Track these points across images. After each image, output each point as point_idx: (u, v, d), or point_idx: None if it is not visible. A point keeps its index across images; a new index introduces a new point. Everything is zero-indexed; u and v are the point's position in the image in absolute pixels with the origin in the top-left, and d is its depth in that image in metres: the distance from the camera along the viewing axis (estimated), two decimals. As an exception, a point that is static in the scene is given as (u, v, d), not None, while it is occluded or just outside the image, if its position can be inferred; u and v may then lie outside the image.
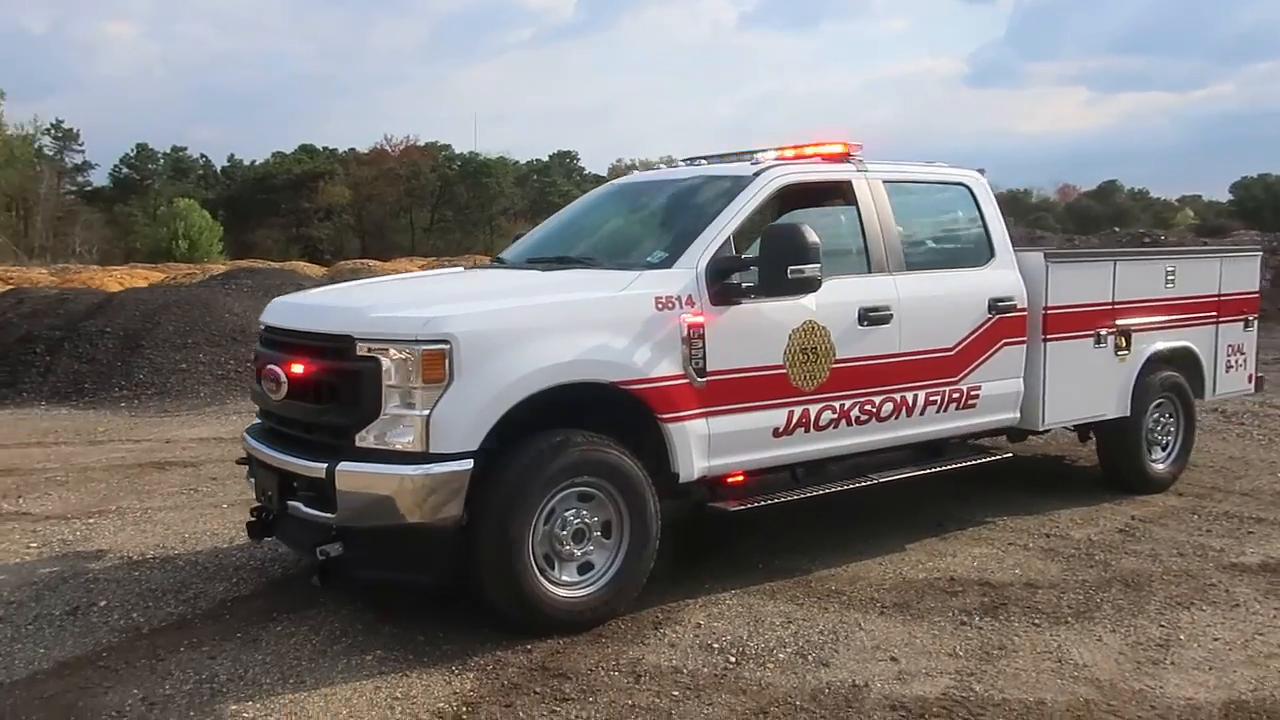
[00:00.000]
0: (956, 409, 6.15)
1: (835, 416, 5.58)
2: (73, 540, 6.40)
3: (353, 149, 76.17)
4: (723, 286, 5.15)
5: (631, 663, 4.48)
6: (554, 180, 77.17)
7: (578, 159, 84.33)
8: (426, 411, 4.43)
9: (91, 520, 6.86)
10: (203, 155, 78.61)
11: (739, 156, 6.22)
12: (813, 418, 5.49)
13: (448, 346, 4.44)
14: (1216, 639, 4.75)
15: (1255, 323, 8.02)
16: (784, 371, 5.35)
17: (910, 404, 5.91)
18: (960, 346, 6.10)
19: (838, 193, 5.93)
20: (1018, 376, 6.45)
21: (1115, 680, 4.31)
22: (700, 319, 5.04)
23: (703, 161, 6.40)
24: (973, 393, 6.19)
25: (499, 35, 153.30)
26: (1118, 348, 6.97)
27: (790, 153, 6.11)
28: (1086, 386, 6.84)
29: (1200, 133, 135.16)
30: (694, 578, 5.48)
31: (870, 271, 5.81)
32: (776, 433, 5.38)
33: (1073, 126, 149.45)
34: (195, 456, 8.96)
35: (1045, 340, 6.54)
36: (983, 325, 6.20)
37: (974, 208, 6.48)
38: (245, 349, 12.24)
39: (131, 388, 12.26)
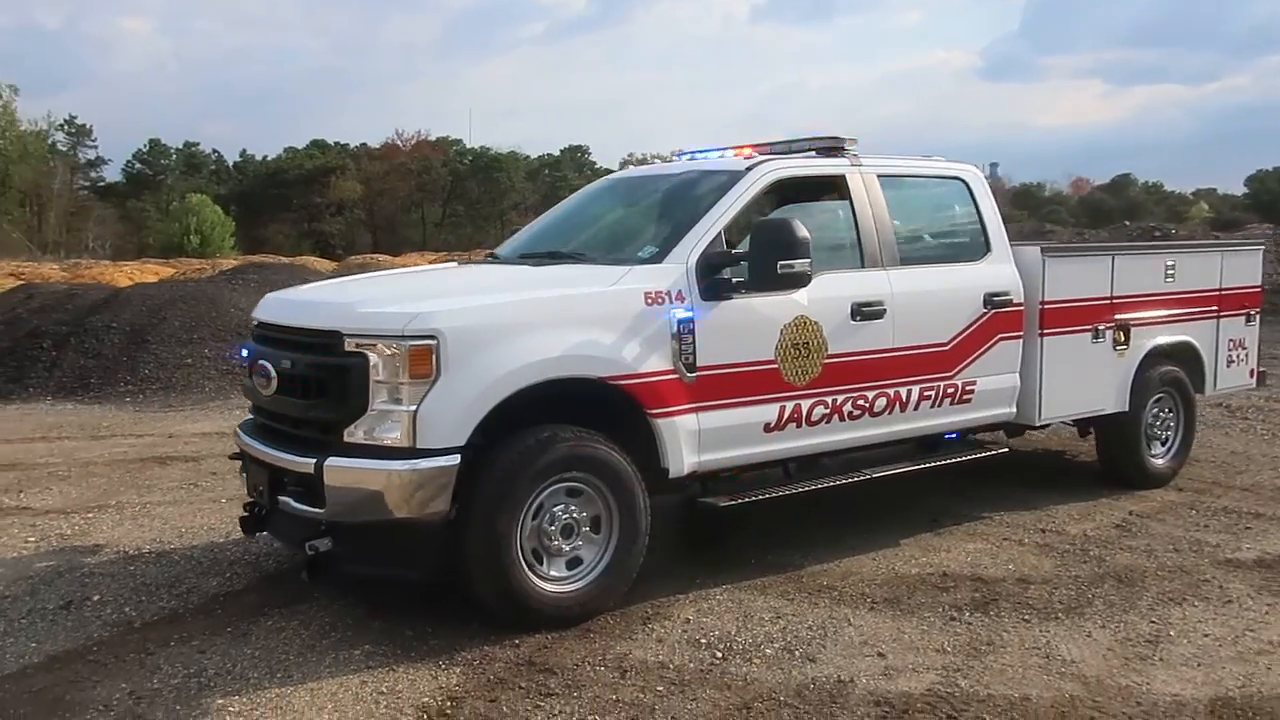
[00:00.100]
0: (951, 404, 6.13)
1: (827, 412, 5.57)
2: (70, 535, 6.44)
3: (364, 144, 76.41)
4: (713, 281, 5.14)
5: (618, 658, 4.49)
6: (565, 174, 77.12)
7: (589, 153, 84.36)
8: (413, 407, 4.44)
9: (90, 515, 6.90)
10: (215, 150, 78.96)
11: (734, 151, 6.22)
12: (805, 413, 5.47)
13: (434, 342, 4.45)
14: (1207, 635, 4.73)
15: (1257, 317, 7.97)
16: (775, 367, 5.34)
17: (904, 399, 5.89)
18: (955, 341, 6.08)
19: (831, 187, 5.91)
20: (1014, 371, 6.42)
21: (1102, 676, 4.30)
22: (690, 314, 5.03)
23: (696, 156, 6.38)
24: (968, 388, 6.17)
25: (512, 30, 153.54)
26: (1116, 342, 6.93)
27: (784, 147, 6.10)
28: (1084, 381, 6.81)
29: (1215, 125, 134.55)
30: (685, 573, 5.48)
31: (864, 266, 5.79)
32: (768, 428, 5.37)
33: (1087, 120, 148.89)
34: (197, 451, 9.00)
35: (1042, 335, 6.51)
36: (978, 320, 6.17)
37: (970, 202, 6.45)
38: (250, 344, 12.26)
39: (137, 383, 12.32)
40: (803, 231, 5.05)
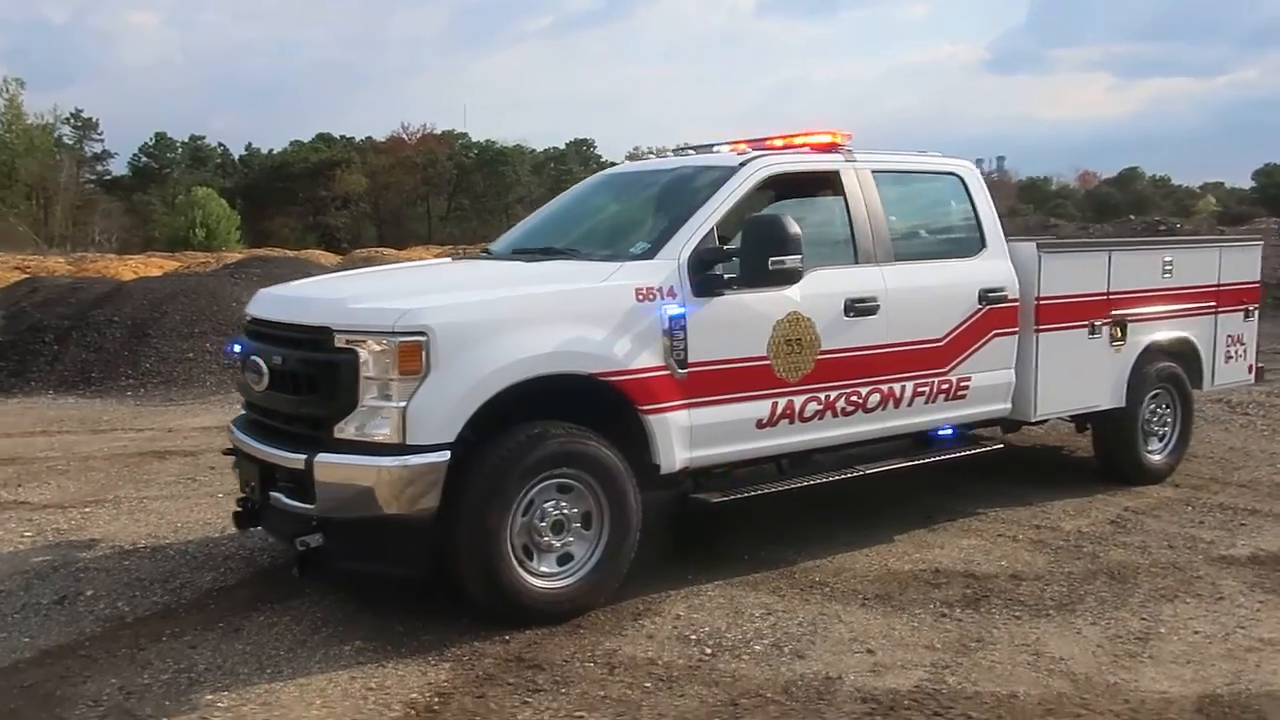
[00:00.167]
0: (946, 400, 6.12)
1: (820, 408, 5.57)
2: (67, 529, 6.46)
3: (369, 137, 76.40)
4: (705, 278, 5.14)
5: (607, 654, 4.50)
6: (570, 168, 76.95)
7: (594, 147, 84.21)
8: (403, 403, 4.45)
9: (87, 509, 6.92)
10: (220, 144, 78.95)
11: (729, 146, 6.21)
12: (797, 409, 5.47)
13: (424, 338, 4.45)
14: (1197, 632, 4.72)
15: (1256, 313, 7.94)
16: (768, 363, 5.33)
17: (898, 395, 5.88)
18: (949, 337, 6.07)
19: (825, 183, 5.90)
20: (1009, 367, 6.41)
21: (1090, 673, 4.29)
22: (682, 310, 5.03)
23: (690, 151, 6.38)
24: (962, 383, 6.16)
25: (518, 23, 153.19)
26: (1113, 338, 6.92)
27: (779, 143, 6.09)
28: (1080, 377, 6.79)
29: (1223, 119, 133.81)
30: (678, 569, 5.48)
31: (857, 262, 5.78)
32: (760, 424, 5.37)
33: (1095, 113, 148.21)
34: (196, 445, 9.02)
35: (1038, 331, 6.50)
36: (973, 316, 6.16)
37: (965, 198, 6.44)
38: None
39: (138, 376, 12.35)
40: (794, 228, 5.05)
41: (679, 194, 5.68)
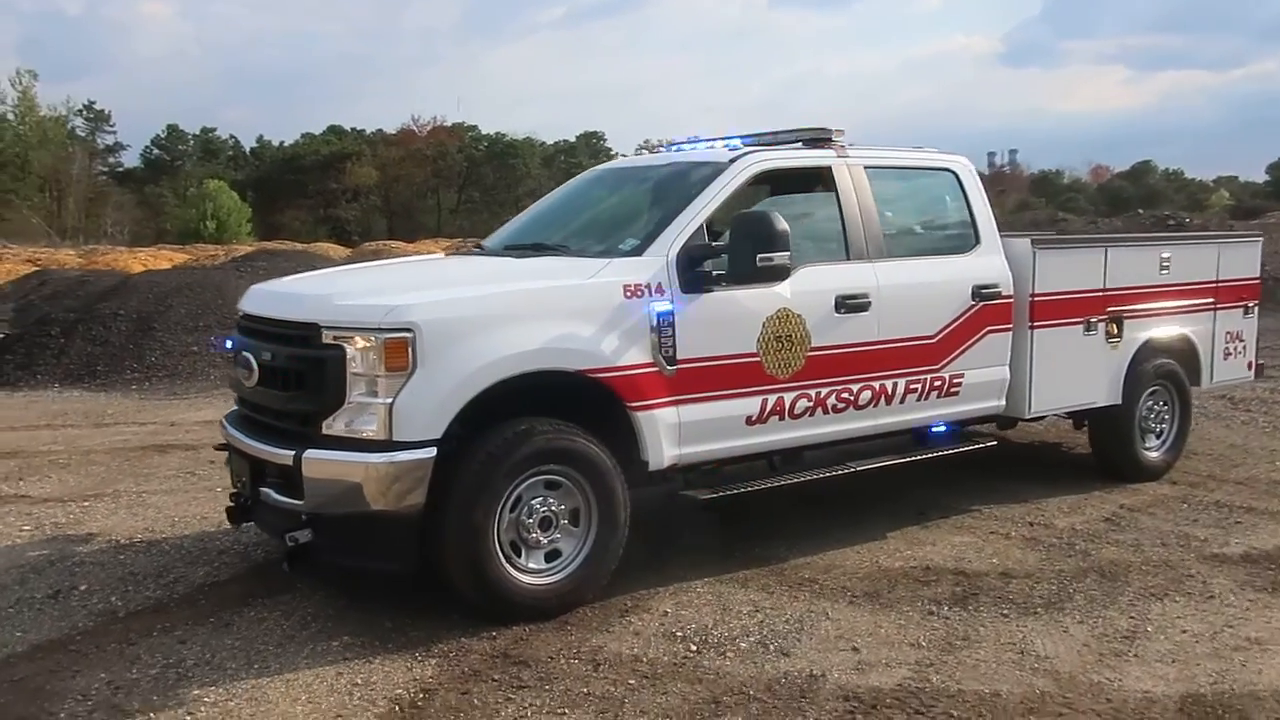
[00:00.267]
0: (938, 397, 6.12)
1: (811, 405, 5.57)
2: (65, 523, 6.51)
3: (380, 130, 76.42)
4: (694, 274, 5.14)
5: (593, 650, 4.51)
6: (580, 161, 76.75)
7: (605, 140, 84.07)
8: (390, 399, 4.47)
9: (86, 503, 6.97)
10: (232, 136, 79.00)
11: (722, 142, 6.21)
12: (787, 406, 5.47)
13: (410, 335, 4.47)
14: (1185, 631, 4.71)
15: (1255, 309, 7.90)
16: (757, 359, 5.33)
17: (890, 392, 5.88)
18: (942, 334, 6.06)
19: (817, 179, 5.90)
20: (1003, 364, 6.40)
21: (1075, 672, 4.29)
22: (670, 307, 5.03)
23: (684, 147, 6.38)
24: (955, 380, 6.15)
25: (530, 14, 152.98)
26: (1109, 335, 6.89)
27: (770, 138, 6.09)
28: (1075, 374, 6.78)
29: (1238, 112, 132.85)
30: (668, 566, 5.50)
31: (849, 258, 5.78)
32: (750, 421, 5.37)
33: (1109, 106, 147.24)
34: (198, 439, 9.06)
35: (1032, 328, 6.48)
36: (966, 312, 6.15)
37: (960, 194, 6.42)
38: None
39: (143, 370, 12.42)
40: (782, 224, 5.04)
41: (669, 190, 5.68)
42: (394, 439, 4.47)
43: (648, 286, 5.01)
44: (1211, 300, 7.53)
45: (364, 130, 76.68)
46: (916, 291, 5.95)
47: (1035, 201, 63.71)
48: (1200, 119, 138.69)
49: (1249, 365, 7.98)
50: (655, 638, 4.66)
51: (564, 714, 3.97)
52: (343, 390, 4.52)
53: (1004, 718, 3.93)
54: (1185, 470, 7.56)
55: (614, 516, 4.95)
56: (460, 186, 75.90)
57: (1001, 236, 6.52)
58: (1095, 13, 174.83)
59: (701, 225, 5.27)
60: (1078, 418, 7.43)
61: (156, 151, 74.27)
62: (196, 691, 4.17)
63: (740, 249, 5.09)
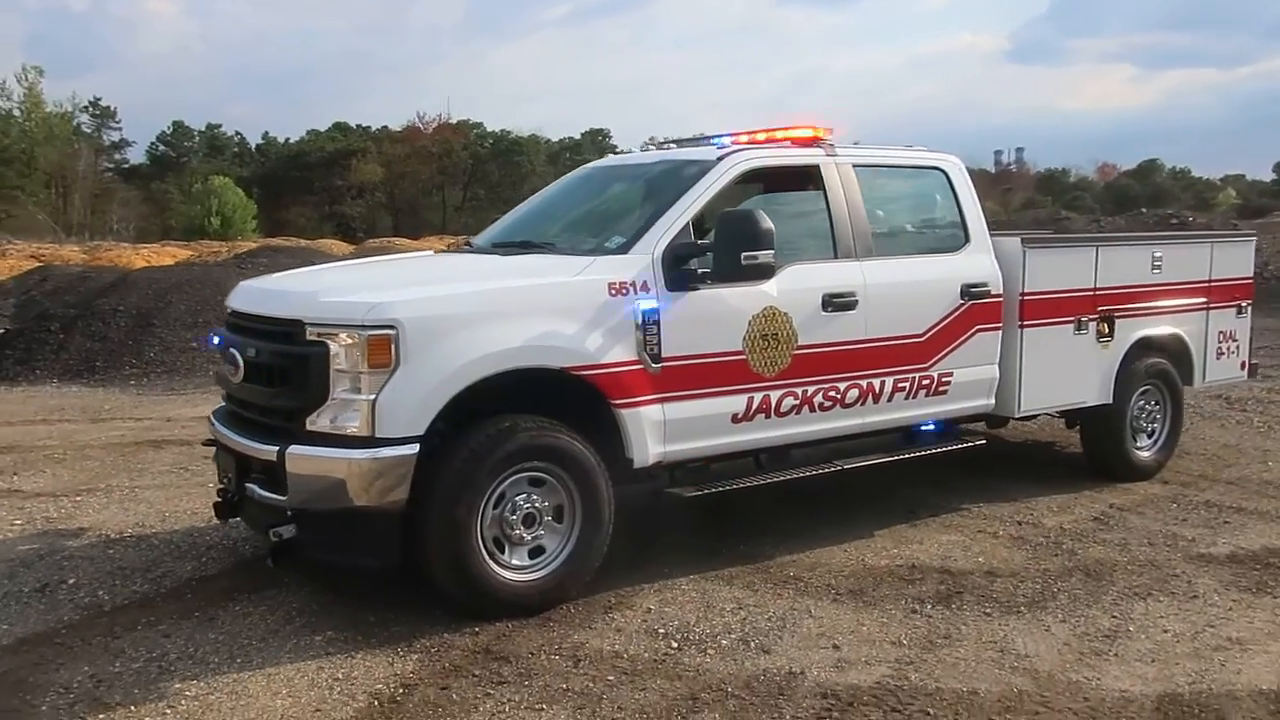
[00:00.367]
0: (927, 395, 6.12)
1: (797, 403, 5.57)
2: (56, 518, 6.54)
3: (385, 127, 76.53)
4: (680, 272, 5.15)
5: (574, 647, 4.53)
6: (586, 158, 76.77)
7: (610, 137, 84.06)
8: (372, 396, 4.48)
9: (79, 498, 7.00)
10: (238, 133, 79.19)
11: (713, 140, 6.21)
12: (774, 404, 5.48)
13: (393, 332, 4.48)
14: (1166, 631, 4.71)
15: (1249, 309, 7.89)
16: (743, 358, 5.34)
17: (878, 390, 5.88)
18: (930, 333, 6.06)
19: (805, 177, 5.90)
20: (992, 363, 6.40)
21: (1054, 671, 4.30)
22: (655, 304, 5.04)
23: (673, 145, 6.38)
24: (944, 379, 6.15)
25: (535, 12, 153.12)
26: (1100, 334, 6.89)
27: (762, 137, 6.10)
28: (1066, 373, 6.78)
29: (1246, 110, 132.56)
30: (653, 562, 5.51)
31: (837, 257, 5.78)
32: (736, 419, 5.38)
33: (1115, 104, 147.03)
34: (193, 435, 9.07)
35: (1022, 326, 6.48)
36: (954, 311, 6.15)
37: (949, 192, 6.42)
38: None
39: (141, 366, 12.47)
40: (767, 223, 5.05)
41: (657, 188, 5.70)
42: (377, 435, 4.49)
43: (633, 284, 5.02)
44: (1204, 300, 7.52)
45: (369, 127, 76.93)
46: (905, 290, 5.95)
47: (1041, 200, 63.61)
48: (1207, 117, 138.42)
49: (1242, 365, 7.96)
50: (637, 634, 4.67)
51: (542, 710, 3.99)
52: (326, 387, 4.54)
53: (980, 716, 3.93)
54: (1177, 470, 7.55)
55: (598, 513, 4.96)
56: (465, 184, 75.94)
57: (991, 235, 6.52)
58: (1102, 11, 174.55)
59: (688, 223, 5.27)
60: (1070, 417, 7.43)
61: (162, 148, 74.51)
62: (178, 685, 4.19)
63: (725, 247, 5.09)
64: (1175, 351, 7.44)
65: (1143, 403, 7.31)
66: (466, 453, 4.63)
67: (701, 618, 4.85)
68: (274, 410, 4.85)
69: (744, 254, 5.03)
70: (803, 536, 5.98)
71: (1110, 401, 7.01)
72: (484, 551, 4.72)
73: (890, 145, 6.50)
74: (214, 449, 5.47)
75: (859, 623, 4.80)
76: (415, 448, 4.52)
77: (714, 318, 5.24)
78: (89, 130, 70.37)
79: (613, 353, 4.94)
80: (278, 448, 4.62)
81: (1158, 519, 6.40)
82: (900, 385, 5.97)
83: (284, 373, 4.74)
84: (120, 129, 74.14)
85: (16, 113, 62.20)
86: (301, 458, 4.56)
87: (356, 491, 4.50)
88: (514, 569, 4.82)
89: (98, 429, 9.44)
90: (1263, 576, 5.39)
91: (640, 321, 5.00)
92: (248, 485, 4.87)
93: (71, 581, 5.37)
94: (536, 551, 4.90)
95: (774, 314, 5.41)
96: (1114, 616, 4.87)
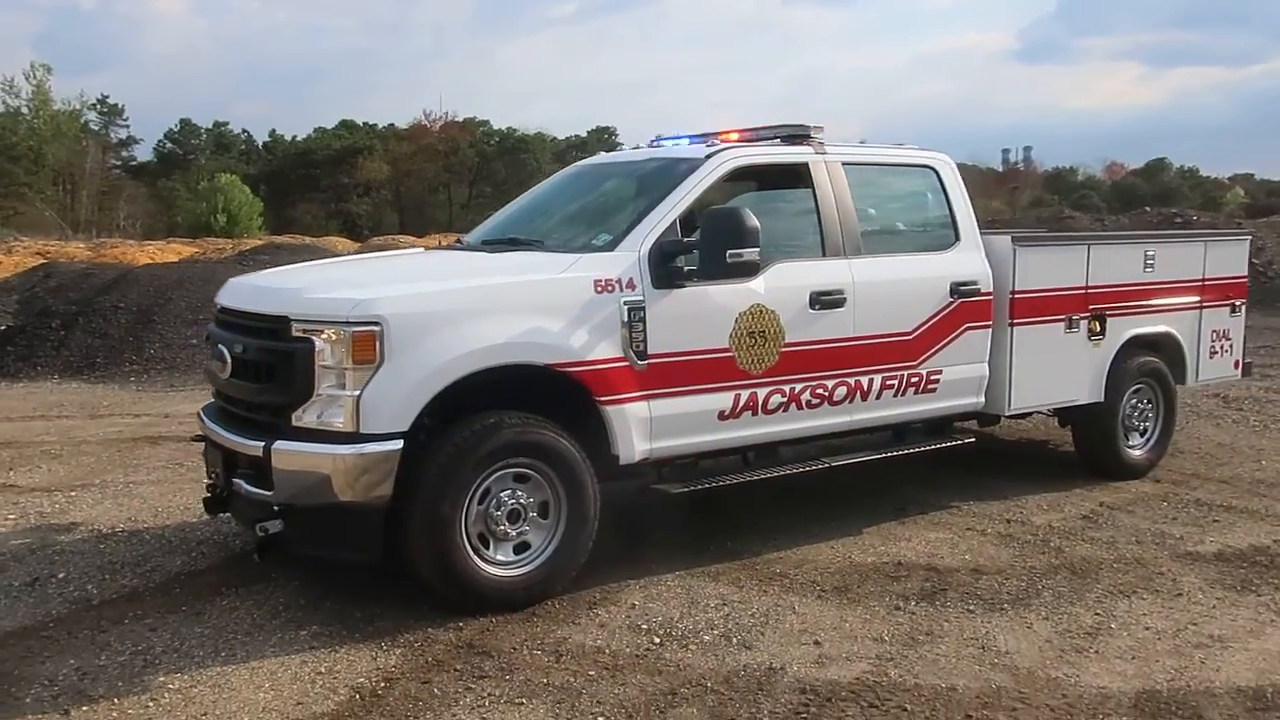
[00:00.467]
0: (915, 393, 6.12)
1: (785, 400, 5.59)
2: (50, 512, 6.58)
3: (392, 124, 76.66)
4: (666, 270, 5.16)
5: (557, 642, 4.55)
6: (591, 156, 76.84)
7: (616, 135, 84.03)
8: (357, 392, 4.51)
9: (73, 493, 7.04)
10: (244, 130, 79.38)
11: (704, 138, 6.22)
12: (760, 401, 5.49)
13: (378, 328, 4.50)
14: (1148, 628, 4.72)
15: (1243, 308, 7.88)
16: (730, 355, 5.36)
17: (866, 388, 5.89)
18: (919, 331, 6.06)
19: (794, 175, 5.90)
20: (982, 361, 6.40)
21: (1034, 668, 4.31)
22: (641, 302, 5.06)
23: (665, 143, 6.40)
24: (933, 377, 6.16)
25: (542, 9, 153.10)
26: (1091, 333, 6.89)
27: (753, 134, 6.11)
28: (1057, 371, 6.78)
29: (1255, 109, 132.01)
30: (641, 559, 5.52)
31: (825, 255, 5.79)
32: (722, 416, 5.39)
33: (1124, 103, 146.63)
34: (190, 431, 8.97)
35: (1012, 325, 6.48)
36: (944, 309, 6.15)
37: (940, 191, 6.42)
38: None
39: (141, 362, 12.52)
40: (752, 221, 5.06)
41: (645, 186, 5.72)
42: (361, 431, 4.52)
43: (619, 281, 5.04)
44: (1198, 298, 7.51)
45: (376, 125, 77.08)
46: (893, 288, 5.96)
47: (1049, 198, 63.39)
48: (1216, 116, 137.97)
49: (1236, 364, 7.95)
50: (620, 630, 4.69)
51: (522, 704, 4.01)
52: (311, 382, 4.56)
53: (958, 712, 3.95)
54: (1170, 468, 7.55)
55: (583, 509, 4.98)
56: (471, 181, 76.05)
57: (982, 234, 6.52)
58: (1110, 9, 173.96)
59: (675, 221, 5.28)
60: (1063, 415, 7.42)
61: (169, 145, 74.70)
62: (162, 678, 4.22)
63: (710, 245, 5.10)
64: (1168, 350, 7.43)
65: (1135, 401, 7.30)
66: (451, 448, 4.66)
67: (685, 613, 4.87)
68: (261, 406, 4.88)
69: (729, 252, 5.04)
70: (791, 533, 5.99)
71: (1102, 400, 7.01)
72: (468, 547, 4.74)
73: (881, 144, 6.51)
74: (204, 444, 5.49)
75: (842, 619, 4.82)
76: (399, 443, 4.54)
77: (700, 315, 5.26)
78: (96, 128, 70.55)
79: (598, 349, 4.96)
80: (264, 443, 4.65)
81: (1147, 517, 6.40)
82: (889, 383, 5.98)
83: (270, 369, 4.76)
84: (128, 126, 74.46)
85: (24, 110, 62.51)
86: (287, 453, 4.59)
87: (341, 487, 4.52)
88: (499, 564, 4.84)
89: (96, 425, 9.49)
90: (1248, 575, 5.39)
91: (626, 318, 5.02)
92: (235, 480, 4.89)
93: (61, 576, 5.41)
94: (522, 547, 4.92)
95: (761, 311, 5.42)
96: (1097, 614, 4.88)
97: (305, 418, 4.61)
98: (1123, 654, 4.45)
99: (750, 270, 5.19)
